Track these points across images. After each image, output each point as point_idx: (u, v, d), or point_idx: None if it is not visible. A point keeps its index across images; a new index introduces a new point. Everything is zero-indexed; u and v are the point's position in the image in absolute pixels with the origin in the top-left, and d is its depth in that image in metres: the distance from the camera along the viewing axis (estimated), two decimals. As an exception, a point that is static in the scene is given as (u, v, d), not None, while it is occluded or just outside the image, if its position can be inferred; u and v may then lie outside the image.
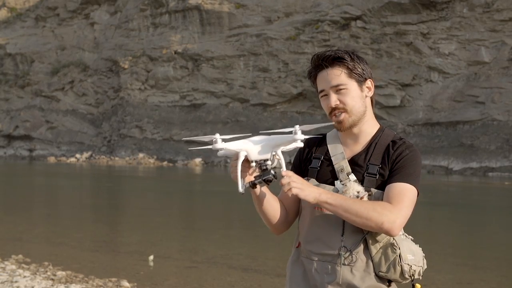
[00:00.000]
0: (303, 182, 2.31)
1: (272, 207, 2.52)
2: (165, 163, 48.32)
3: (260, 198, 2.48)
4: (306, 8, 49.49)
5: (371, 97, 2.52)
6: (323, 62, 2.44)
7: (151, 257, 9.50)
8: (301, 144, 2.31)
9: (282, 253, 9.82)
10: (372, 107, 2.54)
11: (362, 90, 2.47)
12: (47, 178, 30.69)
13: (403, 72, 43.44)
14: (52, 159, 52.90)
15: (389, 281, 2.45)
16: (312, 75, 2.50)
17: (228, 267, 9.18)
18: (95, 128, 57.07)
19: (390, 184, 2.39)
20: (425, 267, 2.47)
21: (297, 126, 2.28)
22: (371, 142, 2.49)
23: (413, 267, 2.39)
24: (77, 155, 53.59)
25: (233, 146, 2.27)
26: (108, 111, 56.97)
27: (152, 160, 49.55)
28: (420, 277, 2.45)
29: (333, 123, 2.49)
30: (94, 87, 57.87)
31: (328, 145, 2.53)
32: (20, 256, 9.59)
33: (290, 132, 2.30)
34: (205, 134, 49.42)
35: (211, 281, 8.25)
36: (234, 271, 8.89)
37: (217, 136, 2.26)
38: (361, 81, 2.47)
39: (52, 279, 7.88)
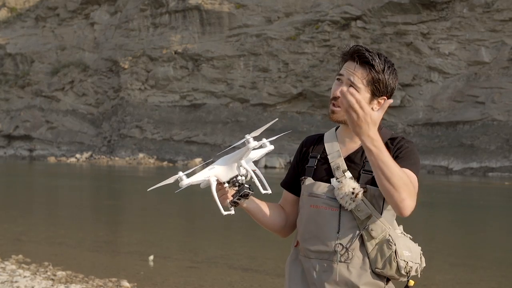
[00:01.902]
0: (370, 113, 2.18)
1: (266, 215, 2.57)
2: (165, 163, 48.33)
3: (251, 211, 2.54)
4: (306, 8, 49.48)
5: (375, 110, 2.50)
6: (356, 57, 2.44)
7: (151, 257, 9.51)
8: (272, 147, 2.37)
9: (282, 253, 9.82)
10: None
11: (371, 103, 2.45)
12: (47, 178, 30.69)
13: (403, 72, 43.44)
14: (52, 159, 52.89)
15: (387, 280, 2.45)
16: (344, 58, 2.50)
17: (228, 267, 9.18)
18: (95, 128, 57.07)
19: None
20: (424, 265, 2.46)
21: (247, 135, 2.34)
22: None
23: (410, 264, 2.39)
24: (77, 155, 53.59)
25: (199, 177, 2.32)
26: (108, 111, 56.97)
27: (152, 160, 49.55)
28: (419, 275, 2.45)
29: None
30: (94, 87, 57.87)
31: (325, 144, 2.54)
32: (20, 256, 9.59)
33: (244, 144, 2.35)
34: (205, 135, 49.65)
35: (211, 281, 8.25)
36: (234, 271, 8.89)
37: (180, 173, 2.28)
38: (376, 94, 2.46)
39: (52, 279, 7.88)
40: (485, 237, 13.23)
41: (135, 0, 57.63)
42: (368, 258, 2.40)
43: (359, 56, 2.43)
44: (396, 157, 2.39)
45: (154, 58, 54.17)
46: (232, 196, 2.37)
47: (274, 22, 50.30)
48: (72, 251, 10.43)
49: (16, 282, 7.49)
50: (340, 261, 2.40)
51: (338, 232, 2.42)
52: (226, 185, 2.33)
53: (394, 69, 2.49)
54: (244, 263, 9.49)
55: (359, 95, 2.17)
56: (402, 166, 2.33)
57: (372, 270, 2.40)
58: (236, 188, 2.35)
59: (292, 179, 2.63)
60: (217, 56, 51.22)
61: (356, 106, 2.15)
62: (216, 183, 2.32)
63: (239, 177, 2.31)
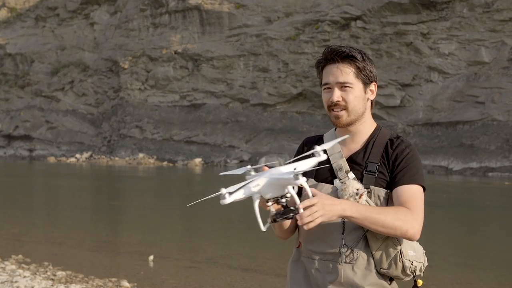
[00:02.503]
0: (323, 202, 2.21)
1: (289, 227, 2.58)
2: (165, 163, 48.32)
3: (282, 227, 2.55)
4: (306, 8, 49.49)
5: (372, 100, 2.54)
6: (335, 56, 2.45)
7: (151, 257, 9.50)
8: (325, 157, 2.28)
9: (282, 253, 9.82)
10: (371, 109, 2.56)
11: (365, 92, 2.50)
12: (47, 178, 30.69)
13: (403, 72, 43.44)
14: (52, 159, 52.89)
15: (391, 279, 2.46)
16: (321, 65, 2.51)
17: (228, 267, 9.18)
18: (95, 128, 57.07)
19: (400, 187, 2.41)
20: (426, 264, 2.48)
21: (317, 147, 2.26)
22: (368, 140, 2.51)
23: (414, 263, 2.41)
24: (77, 155, 53.58)
25: (242, 195, 2.23)
26: (108, 111, 56.97)
27: (152, 160, 49.55)
28: (422, 274, 2.46)
29: (331, 118, 2.51)
30: (94, 87, 57.87)
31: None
32: (20, 256, 9.59)
33: (312, 155, 2.29)
34: (204, 135, 49.65)
35: (211, 281, 8.25)
36: (234, 271, 8.89)
37: (223, 190, 2.19)
38: (367, 83, 2.49)
39: (52, 279, 7.88)
40: (485, 237, 13.23)
41: (135, 0, 57.64)
42: (373, 258, 2.41)
43: (337, 54, 2.45)
44: (395, 168, 2.43)
45: (154, 58, 54.18)
46: (274, 214, 2.27)
47: (274, 22, 50.30)
48: (72, 251, 10.43)
49: (16, 282, 7.49)
50: (345, 262, 2.41)
51: (343, 233, 2.43)
52: (269, 203, 2.25)
53: (369, 56, 2.52)
54: (244, 263, 9.48)
55: (313, 201, 2.18)
56: (403, 183, 2.39)
57: (377, 271, 2.41)
58: (279, 207, 2.28)
59: None
60: (217, 56, 51.22)
61: (314, 214, 2.17)
62: (259, 200, 2.25)
63: (283, 199, 2.23)
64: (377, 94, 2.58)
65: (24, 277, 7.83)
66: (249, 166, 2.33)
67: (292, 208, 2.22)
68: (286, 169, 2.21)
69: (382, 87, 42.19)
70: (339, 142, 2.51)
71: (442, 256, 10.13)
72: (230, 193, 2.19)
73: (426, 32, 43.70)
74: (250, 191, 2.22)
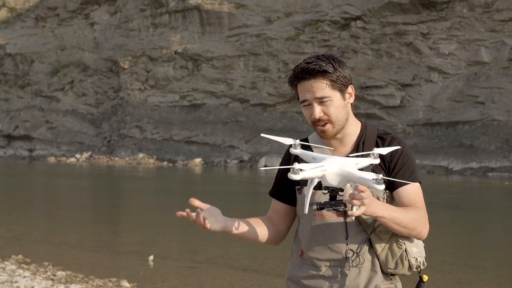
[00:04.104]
0: (370, 194, 2.20)
1: (249, 233, 2.53)
2: (165, 163, 48.32)
3: (237, 234, 2.50)
4: (306, 8, 49.48)
5: (351, 103, 2.54)
6: (306, 75, 2.43)
7: (151, 257, 9.50)
8: (377, 160, 2.31)
9: (282, 253, 9.82)
10: (353, 110, 2.56)
11: (344, 99, 2.49)
12: (47, 178, 30.69)
13: (403, 72, 43.43)
14: (52, 159, 52.89)
15: (392, 274, 2.48)
16: (294, 83, 2.49)
17: (228, 267, 9.18)
18: (95, 128, 57.06)
19: (403, 188, 2.44)
20: (425, 255, 2.52)
21: (376, 149, 2.31)
22: (358, 141, 2.52)
23: (419, 259, 2.45)
24: (77, 155, 53.58)
25: (311, 174, 2.19)
26: (108, 111, 56.97)
27: (152, 160, 49.55)
28: (423, 266, 2.49)
29: (317, 131, 2.51)
30: (94, 87, 57.87)
31: (313, 150, 2.52)
32: (20, 256, 9.59)
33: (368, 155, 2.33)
34: (204, 135, 49.64)
35: (211, 281, 8.25)
36: (234, 271, 8.89)
37: (296, 165, 2.14)
38: (343, 90, 2.47)
39: (52, 279, 7.88)
40: (485, 237, 13.24)
41: (135, 0, 57.63)
42: (378, 259, 2.43)
43: (307, 72, 2.42)
44: (392, 167, 2.45)
45: (154, 58, 54.17)
46: (324, 203, 2.25)
47: (274, 22, 50.29)
48: (72, 251, 10.43)
49: (16, 282, 7.49)
50: (352, 266, 2.43)
51: (347, 238, 2.43)
52: (326, 191, 2.23)
53: (338, 59, 2.48)
54: (244, 263, 9.48)
55: (366, 190, 2.15)
56: (404, 184, 2.42)
57: (383, 271, 2.44)
58: (330, 197, 2.25)
59: (282, 188, 2.61)
60: (217, 56, 51.21)
61: (363, 200, 2.15)
62: (316, 183, 2.23)
63: (340, 193, 2.22)
64: (377, 94, 2.58)
65: (24, 277, 7.83)
66: (297, 141, 2.34)
67: (344, 201, 2.21)
68: (351, 165, 2.21)
69: (382, 87, 42.19)
70: (329, 148, 2.51)
71: (442, 256, 10.13)
72: (301, 170, 2.16)
73: (426, 32, 43.69)
74: (317, 173, 2.19)
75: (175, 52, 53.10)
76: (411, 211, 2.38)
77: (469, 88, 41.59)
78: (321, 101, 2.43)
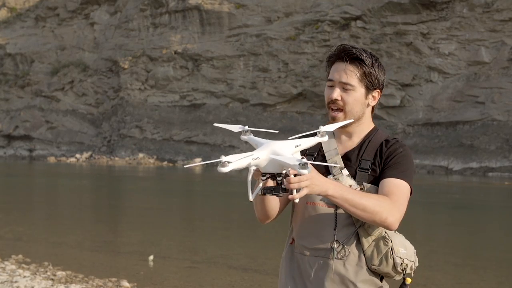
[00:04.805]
0: (312, 175, 2.19)
1: (273, 205, 2.53)
2: (165, 163, 48.32)
3: (263, 204, 2.50)
4: (306, 8, 49.50)
5: (372, 106, 2.55)
6: (345, 55, 2.46)
7: (151, 257, 9.51)
8: (326, 138, 2.27)
9: (282, 253, 9.81)
10: (372, 114, 2.57)
11: (366, 97, 2.50)
12: (47, 178, 30.70)
13: (403, 72, 43.46)
14: (52, 159, 52.90)
15: (381, 278, 2.47)
16: (331, 60, 2.53)
17: (228, 267, 9.19)
18: (95, 128, 57.07)
19: (386, 179, 2.42)
20: (417, 264, 2.49)
21: (321, 127, 2.27)
22: (364, 139, 2.53)
23: (405, 261, 2.42)
24: (77, 155, 53.60)
25: (241, 164, 2.18)
26: (108, 111, 56.98)
27: (152, 160, 49.56)
28: (412, 273, 2.47)
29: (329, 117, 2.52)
30: (94, 87, 57.88)
31: (322, 142, 2.54)
32: (20, 256, 9.59)
33: (314, 134, 2.29)
34: (204, 135, 49.64)
35: (211, 281, 8.25)
36: (234, 271, 8.89)
37: (223, 158, 2.15)
38: (370, 89, 2.50)
39: (52, 279, 7.88)
40: (485, 237, 13.24)
41: (135, 0, 57.64)
42: (364, 255, 2.42)
43: (347, 54, 2.46)
44: (386, 163, 2.44)
45: (154, 58, 54.18)
46: (265, 188, 2.24)
47: (274, 22, 50.31)
48: (72, 251, 10.43)
49: (16, 282, 7.49)
50: (336, 258, 2.42)
51: (335, 229, 2.44)
52: (263, 178, 2.21)
53: (380, 62, 2.52)
54: (244, 263, 9.49)
55: (295, 180, 2.13)
56: (390, 176, 2.40)
57: (368, 267, 2.43)
58: (273, 182, 2.27)
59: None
60: (217, 56, 51.23)
61: (301, 183, 2.13)
62: (253, 172, 2.21)
63: (279, 178, 2.20)
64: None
65: (24, 277, 7.83)
66: (246, 127, 2.33)
67: (284, 187, 2.20)
68: (289, 148, 2.20)
69: (382, 87, 42.22)
70: (336, 139, 2.54)
71: (442, 256, 10.13)
72: (229, 162, 2.14)
73: (426, 32, 43.71)
74: (249, 162, 2.19)
75: (175, 52, 53.12)
76: (374, 196, 2.34)
77: (469, 88, 41.60)
78: (344, 86, 2.46)
